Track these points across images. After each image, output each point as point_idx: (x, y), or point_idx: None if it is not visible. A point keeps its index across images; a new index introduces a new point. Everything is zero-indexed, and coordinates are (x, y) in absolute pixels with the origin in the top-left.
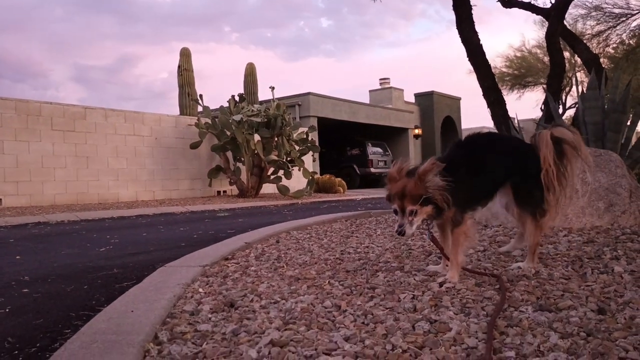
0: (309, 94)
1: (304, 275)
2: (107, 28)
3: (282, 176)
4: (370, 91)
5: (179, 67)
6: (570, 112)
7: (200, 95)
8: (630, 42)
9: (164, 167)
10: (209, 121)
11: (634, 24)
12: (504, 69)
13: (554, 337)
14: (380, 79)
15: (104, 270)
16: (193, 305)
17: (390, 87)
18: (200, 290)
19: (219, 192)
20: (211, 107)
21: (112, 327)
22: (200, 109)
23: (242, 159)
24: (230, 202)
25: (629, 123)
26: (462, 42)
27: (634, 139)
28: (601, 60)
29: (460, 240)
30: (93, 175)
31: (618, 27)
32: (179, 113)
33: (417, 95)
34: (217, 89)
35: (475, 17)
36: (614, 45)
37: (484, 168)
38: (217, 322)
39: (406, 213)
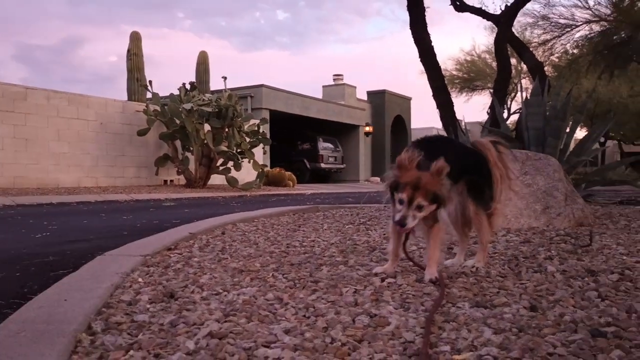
0: (261, 86)
1: (247, 268)
2: (54, 7)
3: (232, 168)
4: (323, 86)
5: (128, 51)
6: (515, 117)
7: (150, 82)
8: (574, 52)
9: (109, 153)
10: (158, 108)
11: (578, 34)
12: (454, 72)
13: (488, 333)
14: (334, 75)
15: (39, 258)
16: (131, 295)
17: (344, 84)
18: (140, 280)
19: (165, 181)
20: (161, 94)
21: (42, 316)
22: (149, 95)
23: (191, 148)
24: (177, 192)
25: (568, 130)
26: (415, 43)
27: (572, 145)
28: (545, 68)
29: (440, 237)
30: (32, 159)
31: (563, 37)
32: (127, 98)
33: (369, 93)
34: (168, 76)
35: (428, 19)
36: (558, 54)
37: (454, 166)
38: (156, 312)
39: (413, 205)
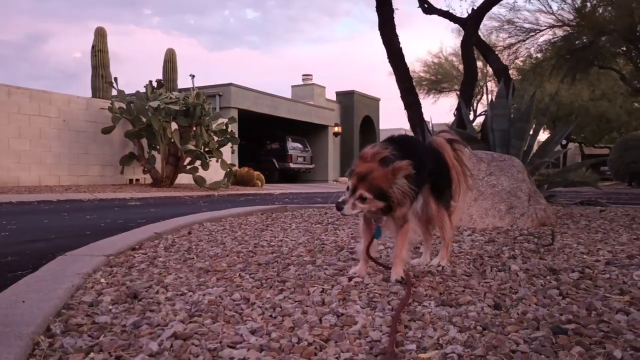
0: (230, 84)
1: (214, 268)
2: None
3: (199, 167)
4: (292, 86)
5: (93, 47)
6: (481, 119)
7: (115, 78)
8: (538, 55)
9: (72, 151)
10: (124, 106)
11: (542, 39)
12: (422, 74)
13: (453, 331)
14: (303, 75)
15: None
16: (93, 296)
17: (313, 84)
18: (102, 280)
19: (131, 180)
20: (127, 92)
21: None
22: (114, 92)
23: (158, 147)
24: (143, 191)
25: (531, 132)
26: (384, 44)
27: (535, 147)
28: (510, 71)
29: (408, 237)
30: None
31: (527, 41)
32: (91, 95)
33: (338, 94)
34: (135, 74)
35: (397, 21)
36: (523, 58)
37: (422, 167)
38: (118, 314)
39: (356, 195)
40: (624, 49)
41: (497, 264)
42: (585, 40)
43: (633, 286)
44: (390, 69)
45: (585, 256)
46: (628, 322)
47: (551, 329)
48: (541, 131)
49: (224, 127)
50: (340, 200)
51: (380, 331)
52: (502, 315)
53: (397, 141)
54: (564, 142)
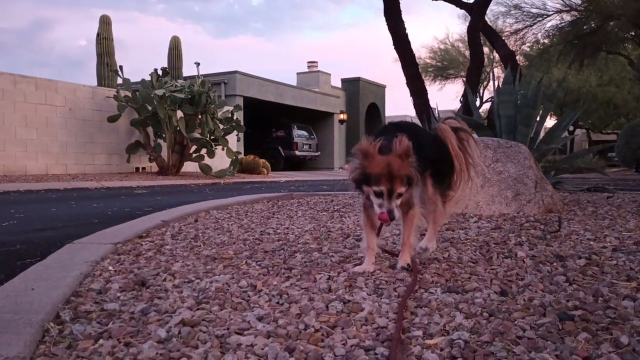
0: (235, 72)
1: (220, 255)
2: None
3: (205, 155)
4: (297, 74)
5: (97, 35)
6: (487, 106)
7: (120, 67)
8: (545, 41)
9: (79, 139)
10: (129, 94)
11: (549, 24)
12: (428, 60)
13: (459, 317)
14: (308, 62)
15: (5, 246)
16: (101, 283)
17: (318, 71)
18: (110, 268)
19: (137, 168)
20: (132, 80)
21: (9, 306)
22: (120, 80)
23: (164, 135)
24: (149, 180)
25: (538, 118)
26: (389, 30)
27: (542, 133)
28: (517, 57)
29: (415, 223)
30: None
31: (534, 27)
32: (96, 84)
33: (343, 81)
34: (139, 62)
35: (403, 8)
36: (530, 43)
37: (421, 152)
38: (126, 301)
39: (394, 195)
40: (632, 33)
41: (504, 250)
42: (593, 25)
43: (634, 271)
44: (396, 56)
45: (592, 243)
46: (635, 308)
47: (558, 315)
48: (548, 117)
49: (230, 115)
50: (386, 210)
51: (387, 318)
52: (509, 301)
53: (397, 126)
54: (571, 128)
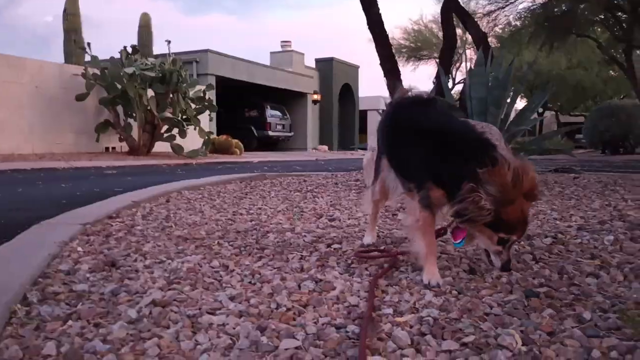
0: (207, 51)
1: (192, 236)
2: None
3: (177, 135)
4: (271, 53)
5: (64, 10)
6: (459, 87)
7: (88, 44)
8: (516, 23)
9: (46, 118)
10: (98, 72)
11: (521, 6)
12: (402, 41)
13: (429, 295)
14: (282, 42)
15: None
16: (70, 264)
17: (292, 51)
18: (79, 249)
19: (107, 148)
20: (101, 58)
21: None
22: (87, 58)
23: (134, 114)
24: (119, 160)
25: (509, 100)
26: (363, 10)
27: (512, 115)
28: (489, 39)
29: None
30: None
31: (506, 9)
32: (63, 61)
33: (317, 61)
34: (108, 39)
35: None
36: (502, 25)
37: None
38: (96, 282)
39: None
40: (602, 17)
41: None
42: (563, 8)
43: (603, 250)
44: (370, 36)
45: (558, 222)
46: (598, 285)
47: (524, 292)
48: (518, 99)
49: (202, 95)
50: (505, 261)
51: (358, 296)
52: (477, 279)
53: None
54: (540, 110)
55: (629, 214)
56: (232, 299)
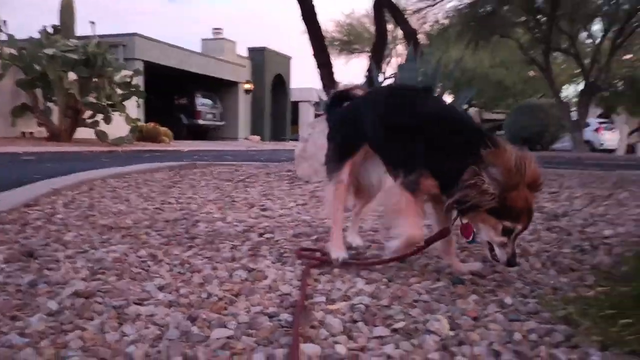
0: (135, 34)
1: (118, 225)
2: None
3: (101, 121)
4: (202, 40)
5: None
6: (390, 81)
7: (4, 21)
8: (444, 21)
9: None
10: (15, 52)
11: (449, 5)
12: (335, 34)
13: (361, 283)
14: (214, 29)
15: None
16: None
17: (223, 39)
18: None
19: (24, 133)
20: (18, 37)
21: None
22: (3, 37)
23: (54, 98)
24: (38, 145)
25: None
26: (298, 1)
27: None
28: (418, 35)
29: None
30: None
31: (435, 7)
32: None
33: (249, 50)
34: (27, 19)
35: None
36: (431, 23)
37: None
38: (12, 272)
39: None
40: (524, 19)
41: None
42: (488, 9)
43: (522, 240)
44: (304, 28)
45: None
46: (518, 273)
47: (451, 280)
48: (445, 96)
49: (129, 80)
50: (510, 257)
51: (291, 285)
52: (406, 267)
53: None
54: (465, 106)
55: (545, 206)
56: (160, 289)
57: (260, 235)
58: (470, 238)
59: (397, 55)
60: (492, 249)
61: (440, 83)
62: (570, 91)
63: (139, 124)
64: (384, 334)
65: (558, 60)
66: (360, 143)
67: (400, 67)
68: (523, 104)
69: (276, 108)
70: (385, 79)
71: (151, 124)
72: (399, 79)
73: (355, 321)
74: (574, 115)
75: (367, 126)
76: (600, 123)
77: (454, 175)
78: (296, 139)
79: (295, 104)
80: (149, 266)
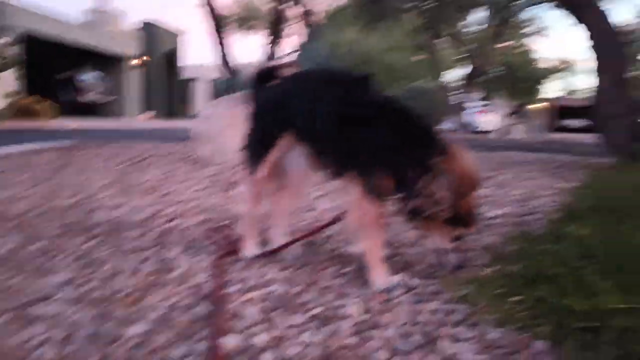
0: (9, 2)
1: (5, 214)
2: None
3: None
4: (87, 11)
5: None
6: (288, 59)
7: None
8: (340, 4)
9: None
10: None
11: None
12: (232, 10)
13: (274, 270)
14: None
15: None
16: None
17: (110, 10)
18: None
19: None
20: None
21: None
22: None
23: None
24: None
25: None
26: None
27: None
28: (315, 16)
29: None
30: None
31: None
32: None
33: (139, 24)
34: None
35: None
36: (327, 4)
37: None
38: None
39: None
40: (414, 4)
41: (307, 204)
42: None
43: None
44: (198, 2)
45: None
46: (419, 254)
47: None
48: None
49: (2, 51)
50: (463, 260)
51: (203, 274)
52: (315, 252)
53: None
54: None
55: None
56: (64, 284)
57: (166, 222)
58: None
59: (295, 34)
60: (441, 254)
61: (335, 65)
62: (455, 75)
63: (17, 98)
64: (301, 321)
65: (445, 45)
66: (287, 133)
67: (301, 46)
68: (410, 87)
69: (168, 85)
70: (282, 56)
71: (30, 99)
72: (299, 59)
73: (272, 309)
74: (458, 98)
75: (298, 114)
76: (480, 106)
77: (412, 176)
78: (194, 118)
79: (189, 81)
80: (48, 260)
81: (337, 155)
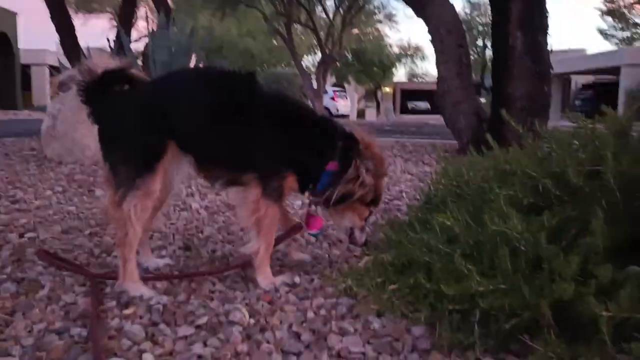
0: None
1: None
2: None
3: None
4: None
5: None
6: (137, 45)
7: None
8: None
9: None
10: None
11: None
12: None
13: (151, 281)
14: None
15: None
16: None
17: None
18: None
19: None
20: None
21: None
22: None
23: None
24: None
25: (192, 65)
26: None
27: None
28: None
29: None
30: None
31: None
32: None
33: None
34: None
35: None
36: None
37: None
38: None
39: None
40: None
41: (178, 203)
42: None
43: (295, 214)
44: None
45: None
46: (297, 250)
47: (242, 264)
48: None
49: None
50: (366, 237)
51: (73, 292)
52: (194, 256)
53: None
54: None
55: None
56: None
57: (21, 235)
58: (317, 231)
59: (147, 20)
60: (352, 233)
61: (194, 53)
62: (310, 61)
63: None
64: (189, 333)
65: (299, 31)
66: (168, 142)
67: (152, 34)
68: (268, 73)
69: (2, 71)
70: (130, 42)
71: None
72: (151, 48)
73: (156, 324)
74: (314, 84)
75: (179, 120)
76: (335, 91)
77: (318, 170)
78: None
79: (26, 68)
80: None
81: (232, 161)
